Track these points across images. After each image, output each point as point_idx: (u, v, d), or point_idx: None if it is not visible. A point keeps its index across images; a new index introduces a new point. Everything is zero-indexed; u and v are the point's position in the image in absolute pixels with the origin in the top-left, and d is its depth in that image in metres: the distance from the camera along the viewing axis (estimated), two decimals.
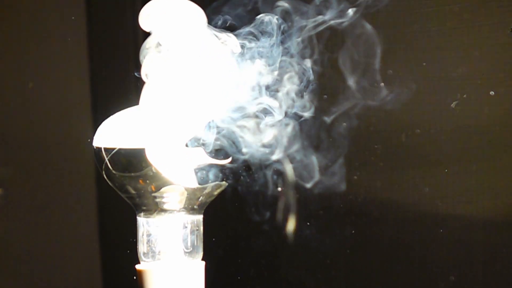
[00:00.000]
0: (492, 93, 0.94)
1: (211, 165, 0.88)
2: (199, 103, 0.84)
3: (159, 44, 0.83)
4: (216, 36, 0.85)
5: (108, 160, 0.82)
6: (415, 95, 1.01)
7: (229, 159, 0.86)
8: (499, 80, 0.96)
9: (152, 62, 0.83)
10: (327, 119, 1.05)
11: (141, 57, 0.84)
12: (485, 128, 0.97)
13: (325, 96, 1.03)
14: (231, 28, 0.89)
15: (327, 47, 1.01)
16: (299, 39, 0.96)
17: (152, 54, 0.84)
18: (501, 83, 0.96)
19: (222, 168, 0.96)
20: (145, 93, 0.84)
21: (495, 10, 0.95)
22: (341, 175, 1.06)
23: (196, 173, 0.85)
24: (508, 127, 0.96)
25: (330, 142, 1.06)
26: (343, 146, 1.06)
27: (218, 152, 0.89)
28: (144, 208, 0.84)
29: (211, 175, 0.93)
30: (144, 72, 0.84)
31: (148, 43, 0.84)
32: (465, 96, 0.98)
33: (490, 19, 0.95)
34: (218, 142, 0.90)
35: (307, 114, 1.00)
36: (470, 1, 0.97)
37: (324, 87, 1.04)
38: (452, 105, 0.99)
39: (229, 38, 0.86)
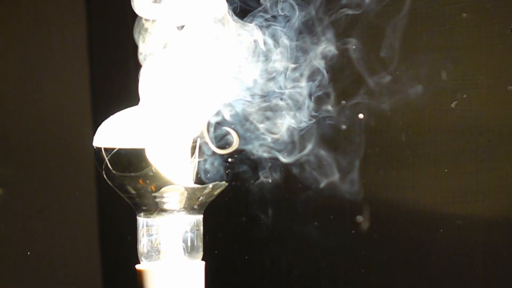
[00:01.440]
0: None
1: (215, 155, 0.88)
2: (200, 97, 0.84)
3: (156, 27, 0.83)
4: (241, 27, 0.84)
5: (108, 160, 0.82)
6: (415, 95, 1.01)
7: (232, 150, 0.86)
8: (499, 80, 0.96)
9: (149, 44, 0.83)
10: (330, 120, 1.05)
11: (135, 33, 0.84)
12: (485, 128, 0.97)
13: (343, 102, 1.03)
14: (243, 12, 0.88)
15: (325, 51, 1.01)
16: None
17: (149, 36, 0.83)
18: (501, 83, 0.96)
19: (224, 164, 0.96)
20: (143, 77, 0.83)
21: (495, 10, 0.95)
22: (342, 175, 1.06)
23: (198, 162, 0.85)
24: (508, 127, 0.96)
25: (332, 142, 1.06)
26: (344, 146, 1.06)
27: (222, 142, 0.88)
28: (144, 208, 0.84)
29: (212, 168, 0.92)
30: (142, 54, 0.83)
31: (145, 24, 0.83)
32: (465, 96, 0.98)
33: (490, 19, 0.95)
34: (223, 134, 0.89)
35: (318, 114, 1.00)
36: (470, 1, 0.97)
37: (326, 87, 1.04)
38: (452, 105, 0.99)
39: (255, 32, 0.86)
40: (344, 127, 1.05)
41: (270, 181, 1.11)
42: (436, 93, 1.00)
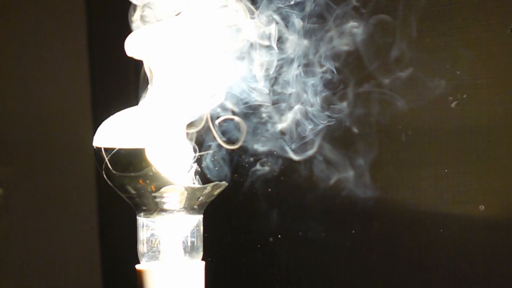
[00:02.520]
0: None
1: (219, 150, 0.87)
2: (200, 92, 0.84)
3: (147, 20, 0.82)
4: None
5: (108, 160, 0.82)
6: (415, 95, 1.01)
7: (238, 145, 0.86)
8: (499, 80, 0.96)
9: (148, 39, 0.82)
10: (330, 119, 1.05)
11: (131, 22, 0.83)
12: (485, 128, 0.97)
13: (345, 102, 1.03)
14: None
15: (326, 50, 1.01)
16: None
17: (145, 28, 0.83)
18: (501, 83, 0.96)
19: (226, 162, 0.96)
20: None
21: (495, 10, 0.95)
22: (341, 175, 1.06)
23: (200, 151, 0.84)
24: (508, 127, 0.96)
25: (332, 142, 1.06)
26: (345, 146, 1.06)
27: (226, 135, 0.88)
28: (144, 208, 0.84)
29: (214, 166, 0.92)
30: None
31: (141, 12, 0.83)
32: (465, 96, 0.98)
33: (490, 19, 0.95)
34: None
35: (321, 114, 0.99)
36: (470, 1, 0.97)
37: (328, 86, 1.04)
38: (452, 105, 0.99)
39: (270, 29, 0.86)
40: (356, 130, 1.05)
41: (271, 179, 1.11)
42: (436, 93, 1.00)
